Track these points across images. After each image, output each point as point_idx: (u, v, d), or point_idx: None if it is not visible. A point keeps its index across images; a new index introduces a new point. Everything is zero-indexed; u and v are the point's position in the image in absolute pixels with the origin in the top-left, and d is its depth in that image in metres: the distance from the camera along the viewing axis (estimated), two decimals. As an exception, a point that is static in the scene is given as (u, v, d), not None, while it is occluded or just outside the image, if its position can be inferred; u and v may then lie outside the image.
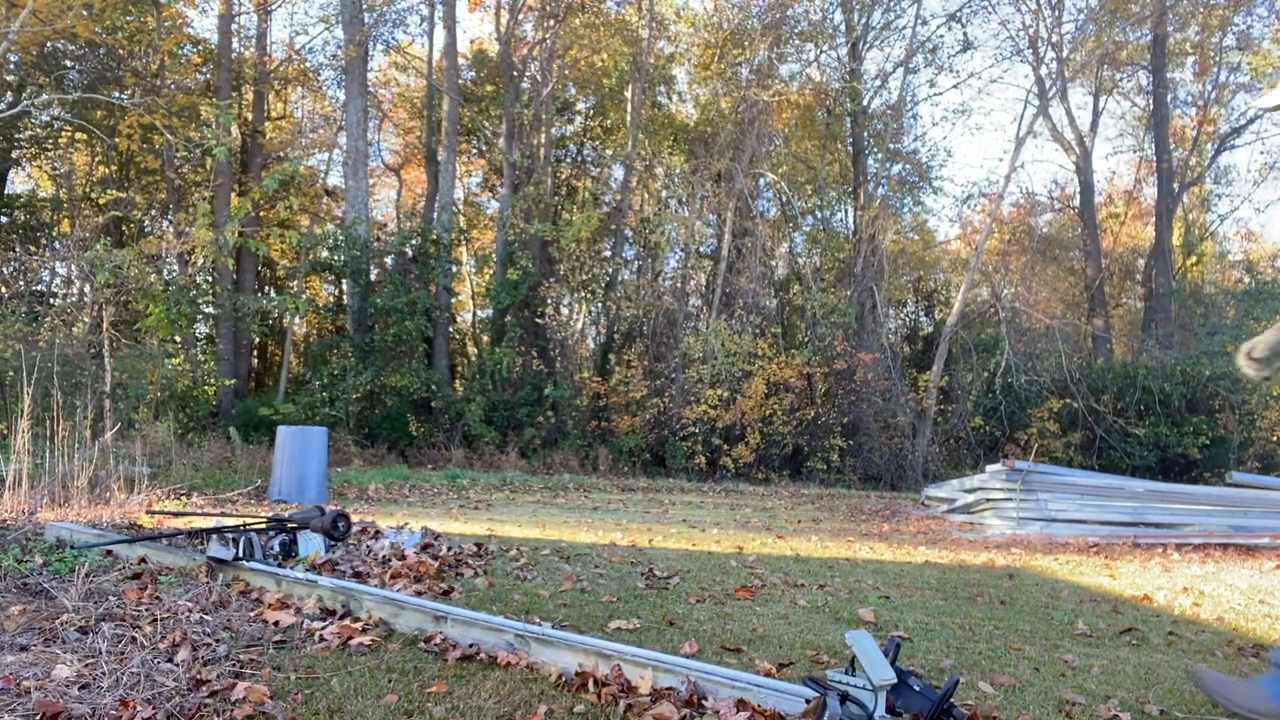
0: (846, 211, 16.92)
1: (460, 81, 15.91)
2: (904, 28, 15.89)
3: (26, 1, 9.11)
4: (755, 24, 14.34)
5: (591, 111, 17.66)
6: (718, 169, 14.70)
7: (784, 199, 16.22)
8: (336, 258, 13.43)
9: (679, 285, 15.20)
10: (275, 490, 6.74)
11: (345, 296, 14.92)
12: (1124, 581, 4.56)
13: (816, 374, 13.44)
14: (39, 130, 15.26)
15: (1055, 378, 13.97)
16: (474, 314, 19.11)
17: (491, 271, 15.12)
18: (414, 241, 14.15)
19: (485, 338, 14.87)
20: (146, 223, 16.50)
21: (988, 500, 7.63)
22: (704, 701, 2.02)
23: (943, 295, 17.36)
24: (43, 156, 16.21)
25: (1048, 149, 30.90)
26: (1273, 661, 2.14)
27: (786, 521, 7.30)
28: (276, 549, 3.69)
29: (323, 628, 2.59)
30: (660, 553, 4.79)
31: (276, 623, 2.65)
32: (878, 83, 16.25)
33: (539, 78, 14.82)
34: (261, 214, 15.18)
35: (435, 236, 13.83)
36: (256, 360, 18.62)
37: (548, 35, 14.46)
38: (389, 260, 14.20)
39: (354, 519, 4.54)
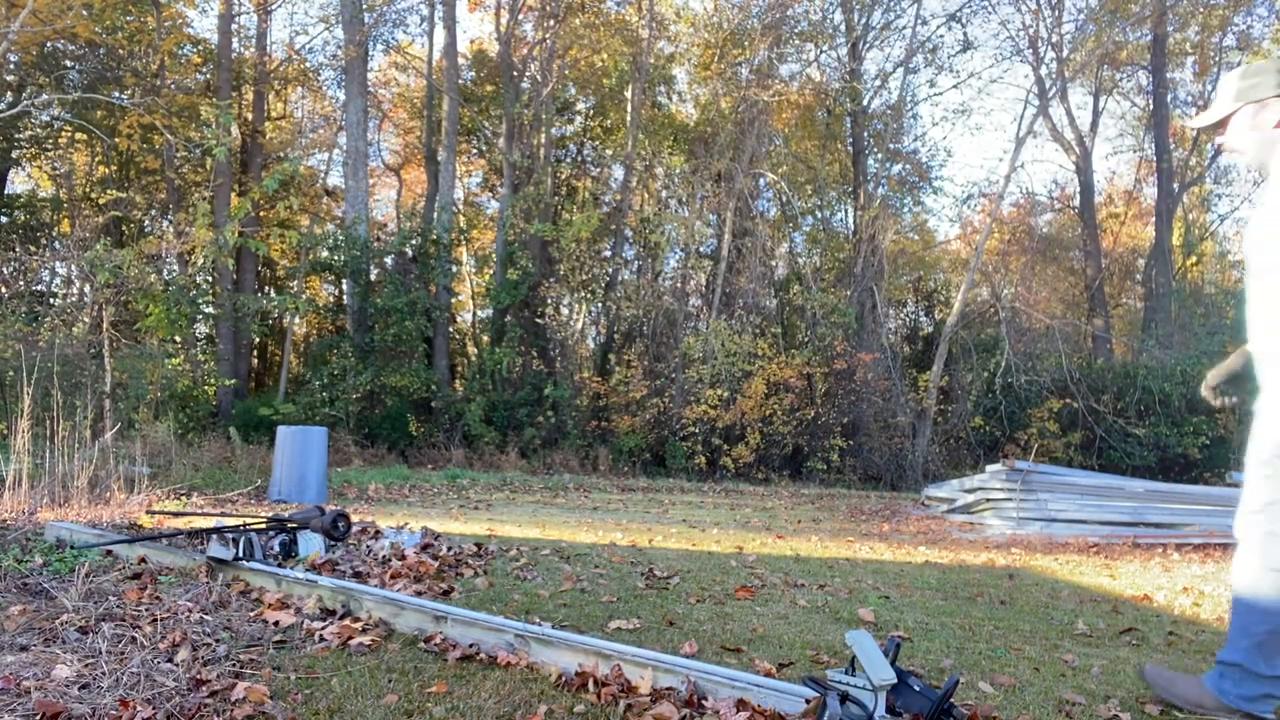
0: (846, 211, 16.92)
1: (460, 81, 15.91)
2: (904, 28, 15.91)
3: (26, 1, 9.11)
4: (755, 24, 14.35)
5: (591, 111, 17.66)
6: (718, 169, 14.70)
7: (784, 199, 16.22)
8: (336, 258, 13.44)
9: (679, 285, 15.21)
10: (275, 490, 6.74)
11: (345, 296, 14.92)
12: (1124, 581, 4.57)
13: (816, 374, 13.44)
14: (39, 130, 15.26)
15: (1055, 378, 13.97)
16: (474, 314, 19.12)
17: (491, 271, 15.12)
18: (414, 241, 14.15)
19: (485, 338, 14.88)
20: (146, 223, 16.51)
21: (988, 500, 7.63)
22: (704, 701, 2.02)
23: (943, 295, 17.37)
24: (43, 156, 16.21)
25: (1048, 149, 30.91)
26: (1218, 659, 2.21)
27: (786, 521, 7.30)
28: (276, 549, 3.69)
29: (323, 628, 2.59)
30: (660, 553, 4.79)
31: (276, 623, 2.65)
32: (878, 83, 16.26)
33: (539, 78, 14.82)
34: (261, 214, 15.19)
35: (435, 236, 13.83)
36: (256, 360, 18.63)
37: (548, 35, 14.46)
38: (389, 260, 14.21)
39: (354, 519, 4.54)
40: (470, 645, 2.42)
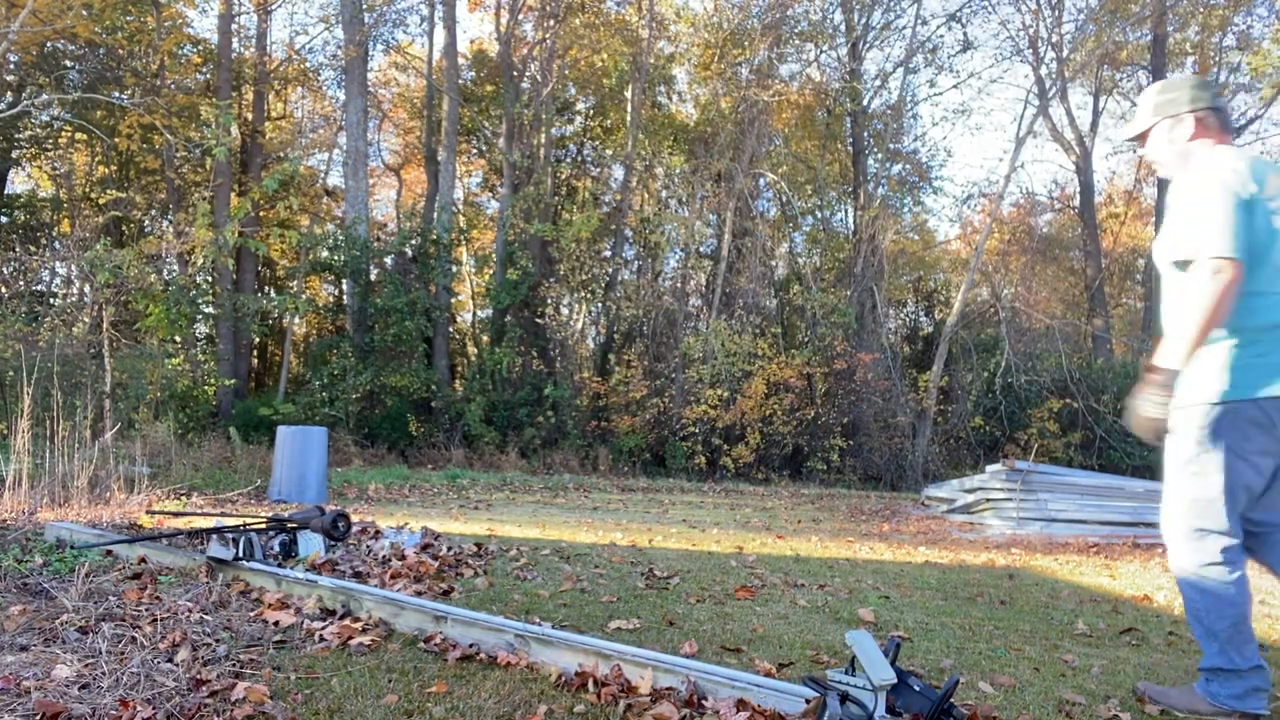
0: (846, 211, 16.92)
1: (460, 81, 15.91)
2: (904, 28, 15.91)
3: (26, 1, 9.11)
4: (755, 24, 14.35)
5: (591, 111, 17.66)
6: (718, 169, 14.70)
7: (784, 199, 16.22)
8: (336, 258, 13.44)
9: (679, 285, 15.21)
10: (275, 490, 6.74)
11: (345, 296, 14.92)
12: (1124, 581, 4.56)
13: (816, 374, 13.44)
14: (39, 130, 15.26)
15: (1055, 378, 13.97)
16: (474, 314, 19.12)
17: (491, 271, 15.12)
18: (414, 241, 14.15)
19: (485, 338, 14.88)
20: (146, 223, 16.51)
21: (988, 500, 7.63)
22: (704, 701, 2.02)
23: (943, 295, 17.37)
24: (43, 156, 16.21)
25: (1048, 149, 30.91)
26: (1200, 668, 2.27)
27: (786, 521, 7.30)
28: (276, 549, 3.69)
29: (323, 628, 2.59)
30: (660, 553, 4.79)
31: (276, 623, 2.65)
32: (878, 83, 16.25)
33: (539, 78, 14.82)
34: (261, 214, 15.19)
35: (435, 236, 13.83)
36: (256, 360, 18.63)
37: (548, 35, 14.46)
38: (389, 260, 14.21)
39: (354, 519, 4.54)
40: (470, 645, 2.42)
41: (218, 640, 2.43)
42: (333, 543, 3.90)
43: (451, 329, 16.19)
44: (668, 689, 2.08)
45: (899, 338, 16.75)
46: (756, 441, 12.73)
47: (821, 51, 15.84)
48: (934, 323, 16.96)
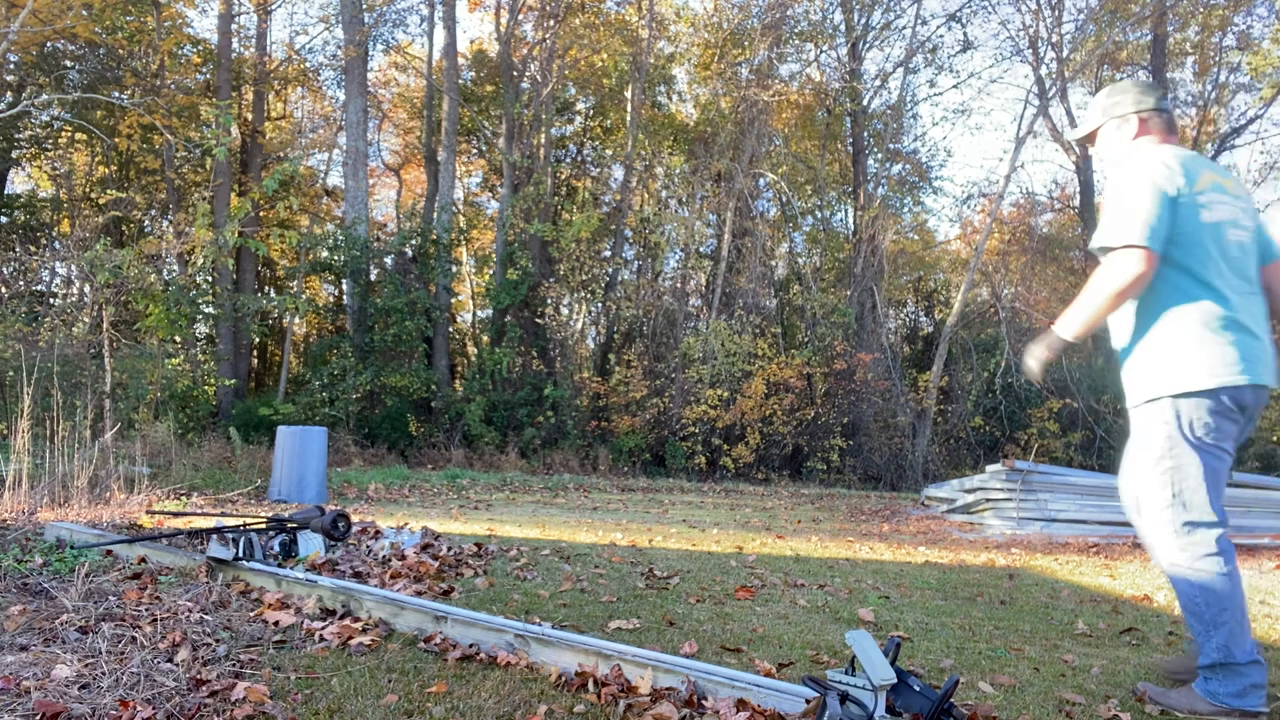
0: (846, 211, 16.93)
1: (460, 81, 15.91)
2: (904, 28, 15.91)
3: (26, 1, 9.11)
4: (755, 24, 14.35)
5: (591, 111, 17.67)
6: (718, 169, 14.71)
7: (784, 199, 16.22)
8: (336, 258, 13.44)
9: (679, 285, 15.21)
10: (275, 490, 6.74)
11: (345, 296, 14.92)
12: (1124, 581, 4.56)
13: (816, 374, 13.44)
14: (39, 130, 15.27)
15: (1055, 378, 13.97)
16: (474, 314, 19.12)
17: (491, 271, 15.12)
18: (414, 241, 14.15)
19: (485, 338, 14.88)
20: (146, 223, 16.52)
21: (988, 500, 7.63)
22: (704, 701, 2.02)
23: (943, 295, 17.37)
24: (43, 156, 16.22)
25: (1048, 149, 30.88)
26: (1199, 667, 2.29)
27: (786, 521, 7.30)
28: (276, 549, 3.69)
29: (323, 628, 2.59)
30: (660, 553, 4.79)
31: (276, 623, 2.65)
32: (878, 83, 16.25)
33: (539, 78, 14.82)
34: (261, 214, 15.19)
35: (435, 236, 13.83)
36: (256, 360, 18.63)
37: (548, 35, 14.46)
38: (389, 260, 14.21)
39: (354, 519, 4.54)
40: (470, 645, 2.42)
41: (218, 640, 2.43)
42: (333, 543, 3.90)
43: (451, 329, 16.19)
44: (668, 689, 2.08)
45: (899, 338, 16.75)
46: (756, 441, 12.74)
47: (821, 51, 15.85)
48: (934, 323, 16.96)
